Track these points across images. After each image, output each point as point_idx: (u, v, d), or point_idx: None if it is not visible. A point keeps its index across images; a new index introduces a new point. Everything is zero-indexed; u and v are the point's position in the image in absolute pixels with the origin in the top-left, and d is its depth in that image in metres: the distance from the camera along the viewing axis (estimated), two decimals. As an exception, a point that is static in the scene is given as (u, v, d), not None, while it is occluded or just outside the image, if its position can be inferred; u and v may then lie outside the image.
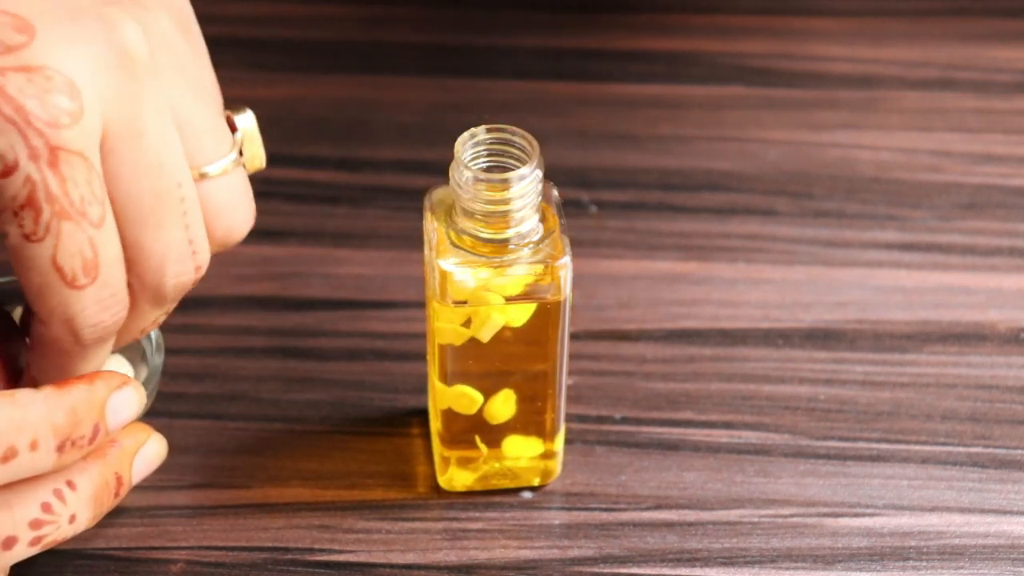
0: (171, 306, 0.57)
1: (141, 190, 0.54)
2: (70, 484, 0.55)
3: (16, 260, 0.52)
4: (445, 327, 0.60)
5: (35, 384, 0.56)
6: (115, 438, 0.57)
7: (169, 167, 0.54)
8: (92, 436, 0.54)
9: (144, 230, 0.54)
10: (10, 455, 0.52)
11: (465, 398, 0.62)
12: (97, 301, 0.53)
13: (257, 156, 0.58)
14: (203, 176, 0.56)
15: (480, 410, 0.62)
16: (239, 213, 0.57)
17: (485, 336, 0.59)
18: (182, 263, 0.55)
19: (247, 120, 0.58)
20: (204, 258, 0.56)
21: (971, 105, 0.81)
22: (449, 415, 0.62)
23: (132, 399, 0.56)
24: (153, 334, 0.63)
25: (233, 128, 0.58)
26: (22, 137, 0.50)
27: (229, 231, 0.57)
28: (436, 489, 0.64)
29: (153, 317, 0.57)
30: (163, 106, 0.54)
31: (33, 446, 0.52)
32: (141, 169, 0.53)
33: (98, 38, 0.52)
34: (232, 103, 0.58)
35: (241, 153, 0.57)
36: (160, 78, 0.54)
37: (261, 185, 0.76)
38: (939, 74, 0.83)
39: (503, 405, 0.62)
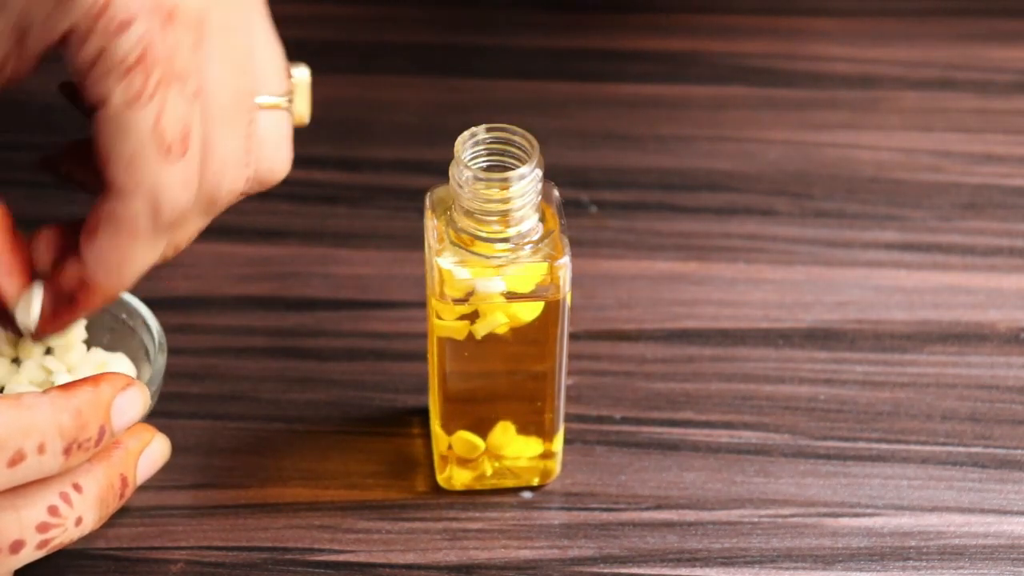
0: (210, 218, 0.57)
1: (224, 85, 0.54)
2: (76, 487, 0.55)
3: (112, 129, 0.53)
4: (445, 324, 0.60)
5: (67, 292, 0.56)
6: (120, 440, 0.57)
7: (248, 74, 0.55)
8: (98, 438, 0.54)
9: (215, 127, 0.55)
10: (18, 459, 0.52)
11: (467, 443, 0.63)
12: (182, 178, 0.54)
13: (304, 111, 0.59)
14: (258, 105, 0.57)
15: (482, 417, 0.62)
16: (282, 152, 0.58)
17: (482, 331, 0.59)
18: (238, 171, 0.56)
19: (302, 72, 0.59)
20: (252, 174, 0.57)
21: (971, 105, 0.81)
22: (449, 412, 0.62)
23: (137, 400, 0.56)
24: (156, 334, 0.63)
25: (288, 75, 0.59)
26: None
27: (272, 167, 0.58)
28: (436, 489, 0.64)
29: (197, 227, 0.57)
30: (254, 14, 0.55)
31: (40, 449, 0.53)
32: (228, 65, 0.54)
33: None
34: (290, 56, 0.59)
35: (290, 101, 0.58)
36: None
37: (261, 185, 0.76)
38: (939, 74, 0.83)
39: (503, 435, 0.63)
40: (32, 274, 0.57)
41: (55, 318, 0.57)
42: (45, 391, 0.54)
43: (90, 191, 0.56)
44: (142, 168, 0.53)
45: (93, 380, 0.55)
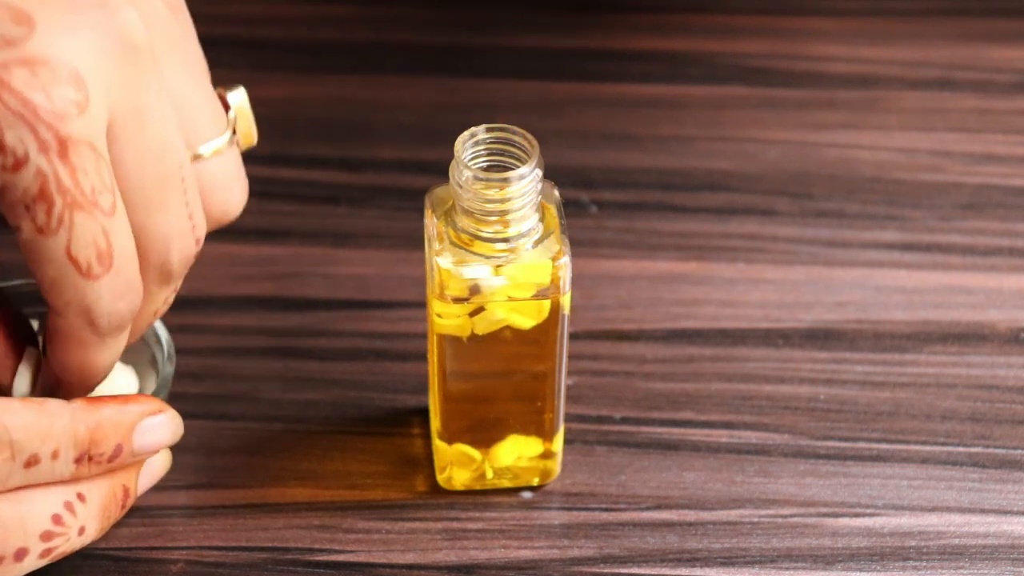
0: (178, 283, 0.57)
1: (145, 175, 0.53)
2: (80, 496, 0.55)
3: (29, 254, 0.52)
4: (445, 323, 0.60)
5: (54, 381, 0.56)
6: (141, 460, 0.57)
7: (171, 150, 0.54)
8: (113, 455, 0.55)
9: (149, 214, 0.54)
10: (33, 462, 0.53)
11: (464, 456, 0.63)
12: (112, 290, 0.53)
13: (249, 133, 0.58)
14: (198, 157, 0.56)
15: (482, 417, 0.62)
16: (234, 191, 0.58)
17: (482, 329, 0.59)
18: (184, 239, 0.55)
19: (239, 97, 0.58)
20: (202, 232, 0.56)
21: (971, 105, 0.81)
22: (449, 412, 0.62)
23: (166, 426, 0.57)
24: (165, 344, 0.63)
25: (226, 106, 0.58)
26: (31, 130, 0.50)
27: (225, 209, 0.57)
28: (436, 489, 0.64)
29: (163, 297, 0.57)
30: (163, 90, 0.54)
31: (54, 455, 0.54)
32: (146, 154, 0.53)
33: (99, 25, 0.52)
34: (223, 80, 0.59)
35: (235, 131, 0.58)
36: (158, 61, 0.54)
37: (261, 185, 0.76)
38: (939, 74, 0.83)
39: (511, 448, 0.63)
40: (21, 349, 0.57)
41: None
42: (71, 400, 0.55)
43: None
44: (65, 290, 0.53)
45: (123, 399, 0.56)
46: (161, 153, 0.54)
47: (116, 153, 0.53)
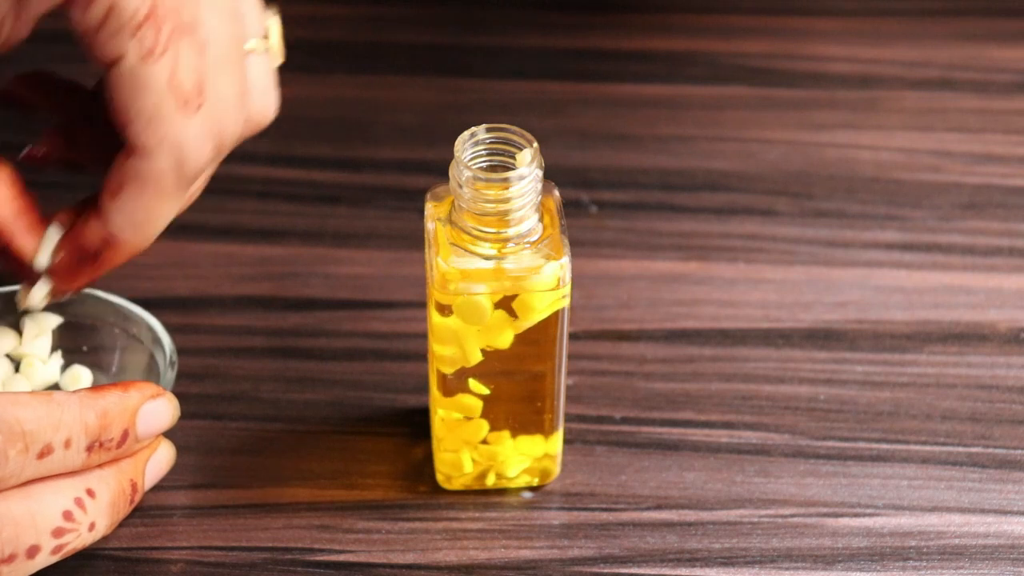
0: (218, 163, 0.58)
1: (221, 33, 0.55)
2: (89, 492, 0.56)
3: (127, 85, 0.53)
4: (444, 322, 0.60)
5: (82, 252, 0.56)
6: (145, 445, 0.58)
7: (238, 18, 0.56)
8: (120, 440, 0.56)
9: (218, 72, 0.55)
10: (46, 452, 0.54)
11: (456, 459, 0.63)
12: (203, 131, 0.54)
13: (279, 51, 0.60)
14: (247, 51, 0.57)
15: (481, 420, 0.62)
16: (270, 94, 0.59)
17: (474, 320, 0.59)
18: (238, 114, 0.56)
19: (272, 16, 0.60)
20: (246, 118, 0.57)
21: (971, 105, 0.81)
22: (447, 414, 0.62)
23: (165, 410, 0.58)
24: (167, 349, 0.63)
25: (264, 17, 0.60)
26: None
27: (262, 110, 0.59)
28: (436, 489, 0.64)
29: (206, 177, 0.58)
30: None
31: (67, 444, 0.55)
32: (222, 13, 0.55)
33: None
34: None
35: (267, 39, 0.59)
36: None
37: (261, 185, 0.76)
38: (939, 74, 0.83)
39: (517, 459, 0.63)
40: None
41: (78, 276, 0.58)
42: (75, 391, 0.56)
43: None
44: (164, 124, 0.54)
45: (123, 385, 0.57)
46: (233, 18, 0.55)
47: (203, 3, 0.54)
